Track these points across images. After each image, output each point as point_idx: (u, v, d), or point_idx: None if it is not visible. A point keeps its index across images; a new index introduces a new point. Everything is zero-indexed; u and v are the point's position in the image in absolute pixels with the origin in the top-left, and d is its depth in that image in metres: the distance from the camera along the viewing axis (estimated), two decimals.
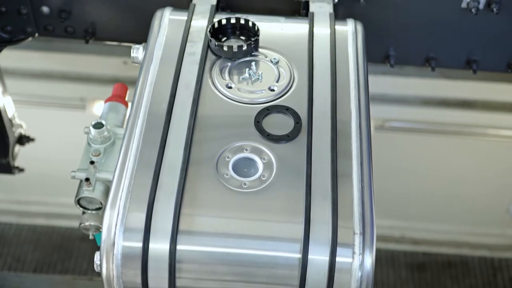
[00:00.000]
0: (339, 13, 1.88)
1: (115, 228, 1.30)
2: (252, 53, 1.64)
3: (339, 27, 1.72)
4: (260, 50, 1.66)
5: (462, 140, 2.76)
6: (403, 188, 2.97)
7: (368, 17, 1.87)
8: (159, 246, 1.29)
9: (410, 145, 2.83)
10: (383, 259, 3.11)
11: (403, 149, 2.85)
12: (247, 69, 1.60)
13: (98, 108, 1.93)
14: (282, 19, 1.76)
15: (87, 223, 1.55)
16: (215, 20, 1.69)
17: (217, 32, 1.67)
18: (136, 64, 1.68)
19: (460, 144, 2.79)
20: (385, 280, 3.03)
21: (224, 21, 1.68)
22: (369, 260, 1.28)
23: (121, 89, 1.88)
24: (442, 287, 3.03)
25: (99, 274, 1.39)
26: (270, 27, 1.72)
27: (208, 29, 1.66)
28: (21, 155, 2.63)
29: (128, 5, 1.98)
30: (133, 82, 1.50)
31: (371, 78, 1.65)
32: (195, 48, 1.65)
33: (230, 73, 1.60)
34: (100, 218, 1.47)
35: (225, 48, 1.62)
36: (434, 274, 3.06)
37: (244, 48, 1.62)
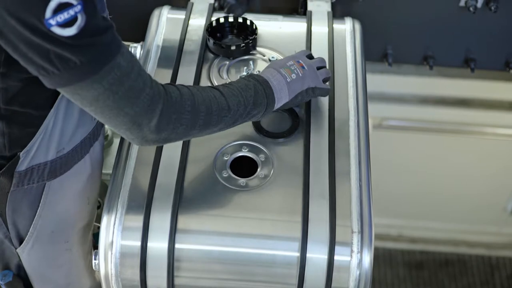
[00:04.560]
0: (337, 12, 1.88)
1: (114, 227, 1.30)
2: (250, 52, 1.64)
3: (337, 26, 1.72)
4: (258, 48, 1.65)
5: (459, 138, 2.75)
6: (400, 186, 2.97)
7: (366, 15, 1.87)
8: (158, 245, 1.29)
9: (408, 143, 2.83)
10: (380, 257, 3.11)
11: (401, 148, 2.84)
12: (245, 68, 1.60)
13: None
14: (280, 17, 1.76)
15: None
16: (213, 18, 1.69)
17: (215, 31, 1.67)
18: None
19: (457, 143, 2.79)
20: (383, 279, 3.03)
21: (222, 20, 1.67)
22: (367, 259, 1.28)
23: None
24: (439, 285, 3.03)
25: None
26: (268, 26, 1.72)
27: (206, 28, 1.66)
28: None
29: (125, 3, 1.98)
30: None
31: (368, 77, 1.65)
32: (193, 47, 1.64)
33: (228, 72, 1.60)
34: (99, 217, 1.47)
35: (223, 47, 1.62)
36: (431, 272, 3.06)
37: (242, 46, 1.62)
